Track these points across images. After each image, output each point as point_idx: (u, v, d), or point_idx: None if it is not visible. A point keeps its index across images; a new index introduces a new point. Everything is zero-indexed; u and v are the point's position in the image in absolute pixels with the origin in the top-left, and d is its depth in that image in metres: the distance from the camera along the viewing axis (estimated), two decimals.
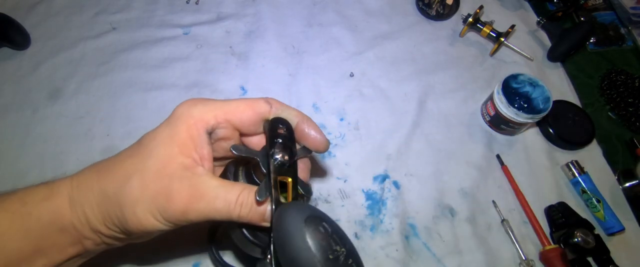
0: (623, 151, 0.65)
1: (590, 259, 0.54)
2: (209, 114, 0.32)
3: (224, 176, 0.38)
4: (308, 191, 0.33)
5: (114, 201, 0.30)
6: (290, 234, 0.27)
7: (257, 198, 0.30)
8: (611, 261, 0.53)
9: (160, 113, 0.62)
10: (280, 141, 0.32)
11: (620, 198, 0.60)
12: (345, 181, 0.57)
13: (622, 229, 0.56)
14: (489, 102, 0.62)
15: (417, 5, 0.76)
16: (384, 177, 0.58)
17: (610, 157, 0.64)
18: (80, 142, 0.57)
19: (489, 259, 0.53)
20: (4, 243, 0.30)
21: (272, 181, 0.31)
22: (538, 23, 0.75)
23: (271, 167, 0.31)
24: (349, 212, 0.55)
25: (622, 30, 0.78)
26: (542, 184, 0.60)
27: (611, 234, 0.56)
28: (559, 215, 0.56)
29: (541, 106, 0.57)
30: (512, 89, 0.59)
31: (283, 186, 0.32)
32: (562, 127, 0.63)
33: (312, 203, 0.54)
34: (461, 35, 0.74)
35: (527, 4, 0.81)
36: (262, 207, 0.31)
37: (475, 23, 0.71)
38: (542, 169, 0.61)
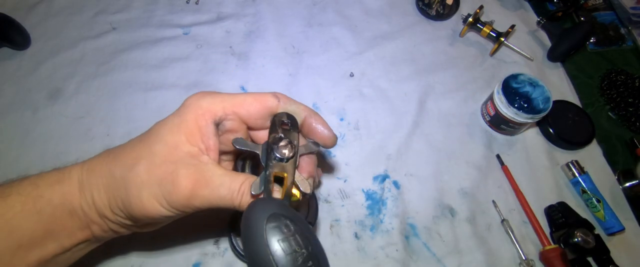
0: (623, 151, 0.65)
1: (590, 259, 0.54)
2: (217, 105, 0.33)
3: (234, 170, 0.38)
4: (307, 188, 0.33)
5: (121, 185, 0.31)
6: (251, 229, 0.27)
7: (252, 192, 0.30)
8: (611, 261, 0.53)
9: (160, 113, 0.61)
10: (281, 135, 0.33)
11: (620, 198, 0.60)
12: (345, 181, 0.57)
13: (622, 229, 0.56)
14: (489, 102, 0.62)
15: (417, 5, 0.76)
16: (384, 177, 0.58)
17: (610, 157, 0.64)
18: (80, 142, 0.57)
19: (489, 259, 0.53)
20: (17, 224, 0.31)
21: (268, 175, 0.31)
22: (538, 23, 0.75)
23: (268, 162, 0.32)
24: (349, 212, 0.55)
25: (622, 30, 0.78)
26: (542, 184, 0.60)
27: (611, 234, 0.56)
28: (559, 215, 0.56)
29: (541, 106, 0.57)
30: (512, 89, 0.59)
31: (282, 181, 0.32)
32: (562, 127, 0.63)
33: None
34: (461, 35, 0.74)
35: (527, 4, 0.81)
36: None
37: (475, 23, 0.71)
38: (542, 169, 0.61)
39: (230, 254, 0.50)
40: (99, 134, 0.58)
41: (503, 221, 0.56)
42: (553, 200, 0.58)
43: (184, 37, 0.69)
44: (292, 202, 0.35)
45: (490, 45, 0.73)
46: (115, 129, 0.59)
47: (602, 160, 0.63)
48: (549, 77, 0.71)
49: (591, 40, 0.76)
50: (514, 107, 0.57)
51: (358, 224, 0.54)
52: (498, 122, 0.62)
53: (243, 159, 0.40)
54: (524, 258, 0.53)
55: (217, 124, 0.33)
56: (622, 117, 0.68)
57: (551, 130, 0.63)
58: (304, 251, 0.26)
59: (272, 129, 0.33)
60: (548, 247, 0.53)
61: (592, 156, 0.63)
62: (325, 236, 0.53)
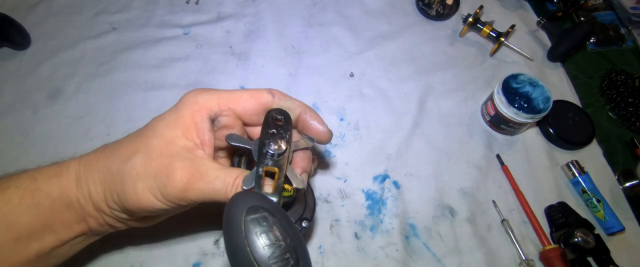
0: (623, 151, 0.65)
1: (590, 259, 0.54)
2: (212, 101, 0.33)
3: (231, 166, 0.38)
4: (299, 183, 0.33)
5: (117, 177, 0.31)
6: (230, 221, 0.27)
7: (243, 187, 0.30)
8: (611, 261, 0.53)
9: (160, 113, 0.62)
10: (273, 131, 0.33)
11: (620, 198, 0.60)
12: (345, 181, 0.57)
13: (622, 229, 0.56)
14: (489, 102, 0.62)
15: (417, 5, 0.76)
16: (384, 177, 0.58)
17: (610, 157, 0.64)
18: (80, 142, 0.58)
19: (489, 259, 0.53)
20: (15, 217, 0.31)
21: (259, 171, 0.31)
22: (538, 23, 0.75)
23: (260, 158, 0.32)
24: (349, 212, 0.55)
25: (622, 30, 0.78)
26: (542, 184, 0.60)
27: (611, 234, 0.56)
28: (559, 215, 0.56)
29: (541, 106, 0.57)
30: (512, 89, 0.59)
31: (274, 176, 0.32)
32: (562, 127, 0.63)
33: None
34: (461, 35, 0.74)
35: (527, 4, 0.80)
36: None
37: (475, 23, 0.71)
38: (542, 169, 0.61)
39: None
40: (99, 134, 0.58)
41: (503, 221, 0.56)
42: (553, 200, 0.58)
43: (184, 37, 0.69)
44: (285, 197, 0.35)
45: (490, 45, 0.73)
46: (115, 129, 0.59)
47: (602, 160, 0.63)
48: (549, 77, 0.71)
49: (591, 40, 0.76)
50: (514, 107, 0.57)
51: (358, 224, 0.54)
52: (498, 122, 0.62)
53: (239, 155, 0.40)
54: (524, 258, 0.53)
55: (213, 120, 0.34)
56: (622, 117, 0.68)
57: (551, 131, 0.63)
58: (282, 243, 0.26)
59: (265, 125, 0.33)
60: (548, 247, 0.53)
61: (592, 156, 0.63)
62: (325, 236, 0.53)
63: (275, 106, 0.35)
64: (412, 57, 0.71)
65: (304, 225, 0.41)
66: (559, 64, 0.73)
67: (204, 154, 0.32)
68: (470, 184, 0.59)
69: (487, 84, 0.69)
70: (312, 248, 0.52)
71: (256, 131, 0.36)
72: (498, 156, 0.61)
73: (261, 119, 0.35)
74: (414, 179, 0.58)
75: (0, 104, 0.60)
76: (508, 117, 0.59)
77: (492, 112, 0.61)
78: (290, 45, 0.70)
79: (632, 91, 0.68)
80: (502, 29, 0.70)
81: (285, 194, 0.35)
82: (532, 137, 0.64)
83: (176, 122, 0.32)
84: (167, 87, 0.63)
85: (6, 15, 0.64)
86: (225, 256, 0.50)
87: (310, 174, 0.37)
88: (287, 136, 0.33)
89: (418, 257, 0.52)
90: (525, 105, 0.57)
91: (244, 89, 0.35)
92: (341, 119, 0.63)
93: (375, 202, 0.56)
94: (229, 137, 0.33)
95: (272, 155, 0.32)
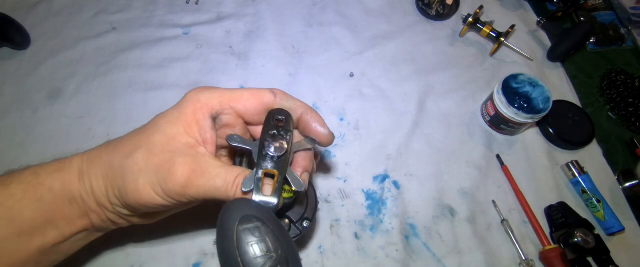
0: (623, 151, 0.65)
1: (590, 259, 0.54)
2: (214, 100, 0.33)
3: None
4: (299, 186, 0.32)
5: (119, 172, 0.32)
6: (223, 229, 0.27)
7: (242, 189, 0.30)
8: (611, 261, 0.53)
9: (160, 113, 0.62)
10: (273, 132, 0.33)
11: (620, 198, 0.60)
12: (345, 181, 0.57)
13: (622, 229, 0.56)
14: (489, 102, 0.62)
15: (417, 5, 0.76)
16: (384, 177, 0.58)
17: (610, 157, 0.64)
18: (80, 142, 0.57)
19: (489, 259, 0.53)
20: (18, 212, 0.31)
21: (258, 173, 0.31)
22: (538, 23, 0.75)
23: (259, 160, 0.32)
24: (349, 212, 0.55)
25: (622, 30, 0.78)
26: (542, 184, 0.60)
27: (611, 234, 0.56)
28: (559, 215, 0.56)
29: (541, 106, 0.57)
30: (512, 89, 0.59)
31: (274, 177, 0.32)
32: (562, 127, 0.63)
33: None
34: (461, 35, 0.74)
35: (527, 4, 0.81)
36: (247, 197, 0.31)
37: (475, 23, 0.71)
38: (542, 169, 0.61)
39: None
40: (99, 134, 0.58)
41: (503, 221, 0.56)
42: (553, 200, 0.58)
43: (184, 37, 0.69)
44: (285, 199, 0.34)
45: (490, 45, 0.73)
46: (115, 129, 0.59)
47: (602, 160, 0.63)
48: (549, 77, 0.71)
49: (591, 40, 0.76)
50: (514, 107, 0.57)
51: (358, 224, 0.54)
52: (498, 122, 0.62)
53: (240, 155, 0.40)
54: (524, 258, 0.53)
55: (214, 118, 0.34)
56: (622, 117, 0.68)
57: (551, 131, 0.63)
58: (273, 254, 0.27)
59: (266, 125, 0.33)
60: (548, 247, 0.53)
61: (592, 156, 0.63)
62: (325, 236, 0.53)
63: (276, 106, 0.35)
64: (412, 57, 0.71)
65: (305, 225, 0.40)
66: (559, 64, 0.73)
67: (205, 151, 0.32)
68: (470, 184, 0.59)
69: (487, 84, 0.69)
70: (312, 248, 0.52)
71: (258, 130, 0.36)
72: (498, 156, 0.61)
73: (263, 119, 0.34)
74: (414, 179, 0.58)
75: (0, 104, 0.60)
76: (508, 117, 0.59)
77: (492, 112, 0.61)
78: (290, 45, 0.70)
79: (632, 91, 0.69)
80: (502, 29, 0.70)
81: (285, 195, 0.35)
82: (532, 137, 0.64)
83: (178, 119, 0.32)
84: (167, 87, 0.63)
85: (6, 15, 0.64)
86: None
87: (312, 173, 0.37)
88: (288, 138, 0.33)
89: (418, 257, 0.52)
90: (525, 105, 0.57)
91: (247, 88, 0.35)
92: (341, 119, 0.63)
93: (375, 202, 0.56)
94: (230, 138, 0.33)
95: (272, 157, 0.32)
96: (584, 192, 0.58)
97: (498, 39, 0.70)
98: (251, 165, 0.36)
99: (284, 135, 0.33)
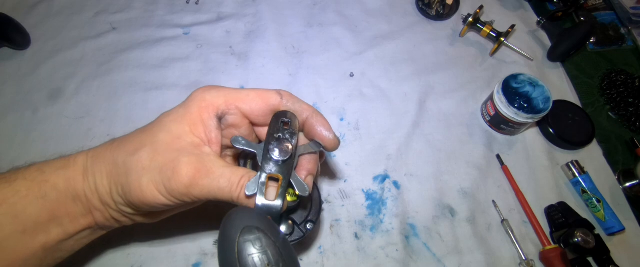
0: (623, 151, 0.65)
1: (590, 259, 0.53)
2: (220, 99, 0.33)
3: None
4: (303, 190, 0.32)
5: (123, 170, 0.31)
6: (224, 241, 0.27)
7: (246, 192, 0.30)
8: (611, 261, 0.53)
9: (160, 113, 0.62)
10: (279, 135, 0.32)
11: (620, 198, 0.60)
12: (345, 181, 0.57)
13: (623, 229, 0.56)
14: (489, 102, 0.62)
15: (417, 5, 0.76)
16: (384, 177, 0.58)
17: (610, 157, 0.64)
18: (80, 142, 0.57)
19: (489, 259, 0.53)
20: (22, 208, 0.31)
21: (262, 177, 0.31)
22: (538, 23, 0.75)
23: (263, 163, 0.31)
24: (349, 212, 0.55)
25: (622, 30, 0.78)
26: (542, 184, 0.60)
27: (611, 234, 0.56)
28: (559, 215, 0.56)
29: (541, 106, 0.57)
30: (512, 89, 0.59)
31: (278, 181, 0.31)
32: (562, 127, 0.63)
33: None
34: (461, 35, 0.74)
35: (527, 4, 0.81)
36: (251, 201, 0.31)
37: (475, 23, 0.71)
38: (542, 169, 0.61)
39: None
40: (99, 134, 0.58)
41: (503, 221, 0.56)
42: (553, 200, 0.58)
43: (184, 37, 0.69)
44: (289, 202, 0.34)
45: (490, 45, 0.73)
46: (115, 129, 0.59)
47: (602, 160, 0.63)
48: (549, 77, 0.71)
49: (591, 40, 0.76)
50: (514, 107, 0.57)
51: (358, 224, 0.54)
52: (498, 122, 0.62)
53: (245, 157, 0.39)
54: (524, 258, 0.53)
55: (220, 118, 0.33)
56: (622, 117, 0.68)
57: (551, 130, 0.63)
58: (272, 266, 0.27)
59: (272, 128, 0.33)
60: (548, 247, 0.53)
61: (592, 156, 0.63)
62: (325, 236, 0.53)
63: (282, 108, 0.34)
64: (412, 57, 0.71)
65: (308, 227, 0.40)
66: (559, 64, 0.73)
67: (210, 151, 0.32)
68: (470, 184, 0.59)
69: (487, 84, 0.69)
70: (312, 248, 0.52)
71: (264, 131, 0.36)
72: (498, 156, 0.61)
73: (268, 120, 0.34)
74: (414, 179, 0.58)
75: (0, 104, 0.60)
76: (508, 117, 0.59)
77: (492, 112, 0.61)
78: (290, 45, 0.70)
79: (632, 91, 0.69)
80: (502, 29, 0.70)
81: (289, 198, 0.34)
82: (532, 137, 0.64)
83: (184, 118, 0.32)
84: (167, 87, 0.63)
85: (6, 15, 0.64)
86: None
87: (317, 176, 0.36)
88: (293, 142, 0.33)
89: (418, 257, 0.52)
90: (525, 105, 0.57)
91: (253, 88, 0.35)
92: (341, 119, 0.63)
93: (375, 202, 0.56)
94: (234, 140, 0.33)
95: (277, 161, 0.31)
96: (584, 192, 0.58)
97: (498, 39, 0.70)
98: (256, 167, 0.36)
99: (289, 138, 0.32)
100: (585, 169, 0.60)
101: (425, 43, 0.72)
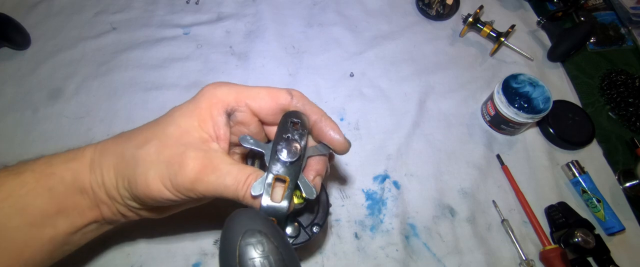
0: (623, 151, 0.65)
1: (590, 259, 0.53)
2: (230, 96, 0.33)
3: None
4: (310, 193, 0.31)
5: (130, 163, 0.31)
6: (226, 245, 0.27)
7: (252, 192, 0.30)
8: (611, 261, 0.53)
9: (160, 113, 0.62)
10: (287, 136, 0.32)
11: (620, 198, 0.60)
12: (345, 181, 0.57)
13: (623, 229, 0.56)
14: (489, 102, 0.62)
15: (417, 5, 0.76)
16: (384, 177, 0.58)
17: (610, 157, 0.64)
18: (80, 142, 0.57)
19: (489, 259, 0.53)
20: (30, 200, 0.31)
21: (269, 178, 0.30)
22: (538, 23, 0.75)
23: (271, 164, 0.31)
24: (349, 212, 0.55)
25: (622, 30, 0.78)
26: (542, 184, 0.60)
27: (611, 234, 0.56)
28: (559, 215, 0.56)
29: (541, 106, 0.57)
30: (512, 89, 0.59)
31: (285, 181, 0.31)
32: (562, 127, 0.63)
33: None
34: (461, 35, 0.74)
35: (527, 4, 0.81)
36: (256, 201, 0.31)
37: (475, 23, 0.71)
38: (542, 169, 0.61)
39: None
40: (99, 134, 0.58)
41: (503, 221, 0.56)
42: (553, 200, 0.58)
43: (184, 37, 0.69)
44: (295, 205, 0.34)
45: (490, 45, 0.73)
46: (115, 129, 0.59)
47: (602, 160, 0.63)
48: (549, 77, 0.71)
49: (591, 40, 0.76)
50: (514, 107, 0.57)
51: (358, 224, 0.54)
52: (498, 122, 0.62)
53: (252, 156, 0.39)
54: (524, 258, 0.53)
55: (229, 114, 0.33)
56: (622, 117, 0.68)
57: (551, 130, 0.63)
58: None
59: (281, 128, 0.32)
60: (548, 247, 0.53)
61: (592, 156, 0.63)
62: (325, 236, 0.53)
63: (292, 108, 0.34)
64: (412, 57, 0.71)
65: (314, 230, 0.39)
66: (559, 64, 0.73)
67: (218, 147, 0.32)
68: (470, 184, 0.58)
69: (487, 84, 0.69)
70: (312, 248, 0.52)
71: (273, 130, 0.35)
72: (498, 156, 0.61)
73: (278, 119, 0.34)
74: (414, 179, 0.58)
75: (0, 104, 0.60)
76: (508, 117, 0.59)
77: (492, 112, 0.61)
78: (290, 45, 0.70)
79: (632, 91, 0.69)
80: (502, 29, 0.70)
81: (296, 200, 0.34)
82: (532, 137, 0.64)
83: (193, 113, 0.32)
84: (167, 87, 0.63)
85: (6, 15, 0.64)
86: None
87: (325, 177, 0.36)
88: (302, 143, 0.32)
89: (418, 257, 0.52)
90: (525, 105, 0.57)
91: (264, 86, 0.34)
92: (341, 119, 0.63)
93: (375, 202, 0.56)
94: (242, 139, 0.32)
95: (284, 162, 0.31)
96: (584, 192, 0.58)
97: (498, 39, 0.70)
98: (263, 167, 0.36)
99: (298, 139, 0.32)
100: (585, 169, 0.60)
101: (425, 43, 0.72)
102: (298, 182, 0.31)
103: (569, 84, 0.71)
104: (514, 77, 0.60)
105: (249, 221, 0.28)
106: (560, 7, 0.78)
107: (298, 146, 0.32)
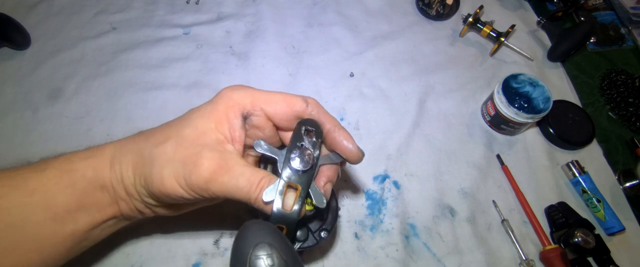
0: (623, 151, 0.65)
1: (590, 259, 0.53)
2: (246, 99, 0.34)
3: None
4: (320, 202, 0.32)
5: (147, 161, 0.32)
6: (237, 252, 0.28)
7: (263, 199, 0.30)
8: (611, 261, 0.53)
9: (160, 113, 0.63)
10: (301, 144, 0.32)
11: (620, 198, 0.60)
12: (345, 181, 0.57)
13: (623, 229, 0.56)
14: (489, 102, 0.62)
15: (417, 5, 0.76)
16: (384, 177, 0.58)
17: (610, 157, 0.64)
18: (80, 142, 0.57)
19: (489, 259, 0.53)
20: (52, 196, 0.32)
21: (281, 185, 0.31)
22: (538, 23, 0.75)
23: (283, 171, 0.31)
24: (349, 212, 0.55)
25: (622, 30, 0.78)
26: (542, 184, 0.60)
27: (611, 234, 0.56)
28: (559, 215, 0.56)
29: (541, 106, 0.57)
30: (512, 89, 0.59)
31: (296, 190, 0.31)
32: (562, 127, 0.63)
33: None
34: (461, 35, 0.74)
35: (527, 4, 0.81)
36: (268, 207, 0.31)
37: (475, 23, 0.71)
38: (542, 169, 0.61)
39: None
40: (99, 134, 0.58)
41: (503, 221, 0.56)
42: (553, 200, 0.58)
43: (184, 37, 0.69)
44: (306, 211, 0.34)
45: (490, 45, 0.73)
46: (116, 129, 0.59)
47: (602, 160, 0.63)
48: (549, 77, 0.71)
49: (591, 40, 0.76)
50: (514, 107, 0.57)
51: (358, 224, 0.54)
52: (498, 122, 0.62)
53: (265, 161, 0.39)
54: (524, 258, 0.53)
55: (245, 118, 0.34)
56: (622, 117, 0.68)
57: (551, 131, 0.63)
58: None
59: (295, 136, 0.33)
60: (548, 247, 0.53)
61: (592, 156, 0.63)
62: (333, 240, 0.53)
63: (306, 116, 0.34)
64: (412, 57, 0.71)
65: (322, 235, 0.40)
66: (559, 64, 0.73)
67: (233, 149, 0.33)
68: (470, 184, 0.58)
69: (487, 84, 0.69)
70: (312, 248, 0.52)
71: (287, 136, 0.36)
72: (498, 156, 0.61)
73: (292, 125, 0.34)
74: (414, 179, 0.58)
75: (0, 104, 0.60)
76: (508, 117, 0.59)
77: (492, 112, 0.61)
78: (290, 45, 0.70)
79: (632, 91, 0.69)
80: (502, 29, 0.70)
81: (306, 207, 0.34)
82: (532, 137, 0.64)
83: (210, 114, 0.33)
84: (167, 87, 0.63)
85: (6, 15, 0.64)
86: (225, 256, 0.50)
87: (335, 183, 0.36)
88: (316, 152, 0.33)
89: (418, 257, 0.52)
90: (525, 105, 0.57)
91: (281, 91, 0.35)
92: (341, 119, 0.63)
93: (375, 202, 0.56)
94: (257, 144, 0.33)
95: (297, 170, 0.31)
96: (584, 192, 0.58)
97: (498, 38, 0.70)
98: (276, 173, 0.36)
99: (311, 149, 0.32)
100: (586, 169, 0.60)
101: (425, 43, 0.72)
102: (309, 190, 0.32)
103: (569, 84, 0.71)
104: (514, 77, 0.60)
105: (260, 233, 0.28)
106: (560, 7, 0.78)
107: (311, 154, 0.32)
